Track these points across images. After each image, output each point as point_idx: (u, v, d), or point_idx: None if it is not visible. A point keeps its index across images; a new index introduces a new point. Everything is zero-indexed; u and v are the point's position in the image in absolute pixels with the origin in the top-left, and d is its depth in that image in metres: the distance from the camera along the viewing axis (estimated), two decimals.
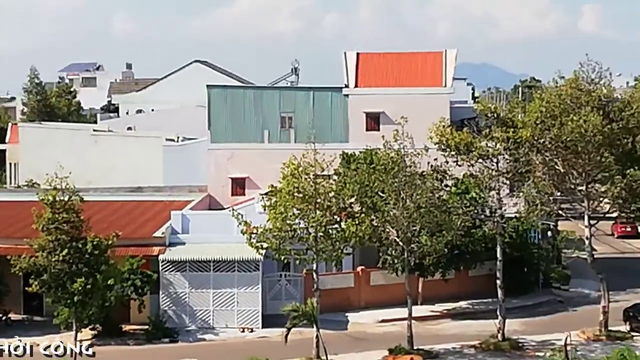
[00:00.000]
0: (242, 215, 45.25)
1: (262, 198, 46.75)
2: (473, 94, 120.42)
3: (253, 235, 44.97)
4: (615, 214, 56.57)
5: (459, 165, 48.10)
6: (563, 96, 47.40)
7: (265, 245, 44.91)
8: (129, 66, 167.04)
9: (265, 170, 58.53)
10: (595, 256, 50.69)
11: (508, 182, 48.43)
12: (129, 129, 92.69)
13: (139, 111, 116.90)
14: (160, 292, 50.30)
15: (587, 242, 48.86)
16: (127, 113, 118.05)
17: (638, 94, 50.69)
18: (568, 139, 45.82)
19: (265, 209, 44.89)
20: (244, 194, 64.10)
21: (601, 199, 49.17)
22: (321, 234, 43.88)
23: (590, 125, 45.18)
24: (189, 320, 50.48)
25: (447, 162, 47.78)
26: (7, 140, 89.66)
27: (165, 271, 50.42)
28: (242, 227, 45.06)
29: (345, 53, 67.24)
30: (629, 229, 79.52)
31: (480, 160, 47.26)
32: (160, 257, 50.34)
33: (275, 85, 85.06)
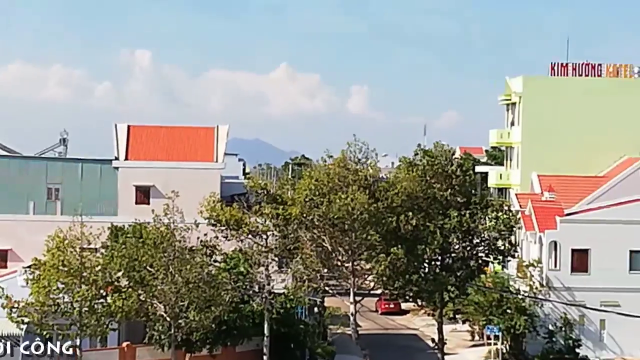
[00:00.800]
0: (2, 289, 43.71)
1: (25, 271, 45.31)
2: (244, 169, 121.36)
3: (14, 310, 43.41)
4: (379, 291, 57.94)
5: (229, 241, 48.27)
6: (331, 175, 48.59)
7: (26, 319, 43.40)
8: None
9: (29, 243, 56.75)
10: (359, 332, 51.72)
11: (277, 258, 48.93)
12: None
13: None
14: None
15: (352, 318, 49.85)
16: None
17: (402, 174, 52.29)
18: (335, 216, 46.85)
19: (28, 283, 43.52)
20: (5, 267, 61.78)
21: (366, 276, 50.41)
22: (86, 308, 42.86)
23: (357, 203, 46.38)
24: None
25: (217, 237, 47.90)
26: None
27: None
28: (2, 301, 43.45)
29: (115, 125, 66.50)
30: (392, 306, 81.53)
31: (250, 236, 47.67)
32: None
33: (43, 156, 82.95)
